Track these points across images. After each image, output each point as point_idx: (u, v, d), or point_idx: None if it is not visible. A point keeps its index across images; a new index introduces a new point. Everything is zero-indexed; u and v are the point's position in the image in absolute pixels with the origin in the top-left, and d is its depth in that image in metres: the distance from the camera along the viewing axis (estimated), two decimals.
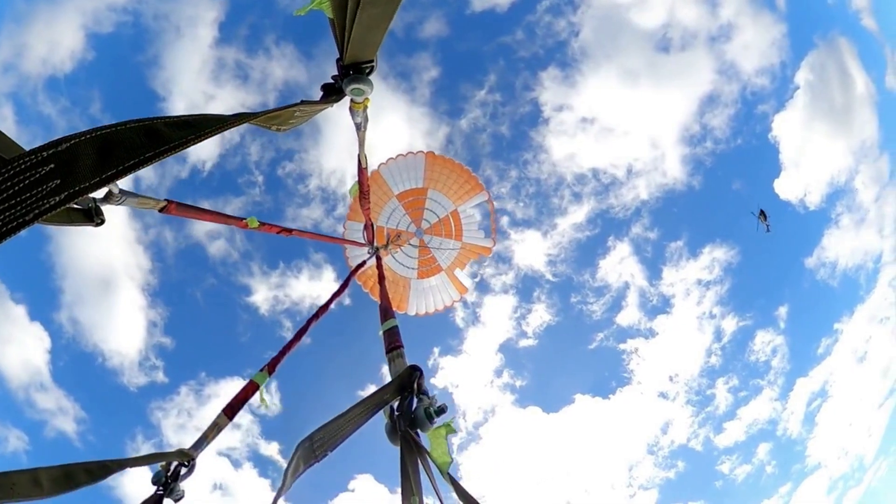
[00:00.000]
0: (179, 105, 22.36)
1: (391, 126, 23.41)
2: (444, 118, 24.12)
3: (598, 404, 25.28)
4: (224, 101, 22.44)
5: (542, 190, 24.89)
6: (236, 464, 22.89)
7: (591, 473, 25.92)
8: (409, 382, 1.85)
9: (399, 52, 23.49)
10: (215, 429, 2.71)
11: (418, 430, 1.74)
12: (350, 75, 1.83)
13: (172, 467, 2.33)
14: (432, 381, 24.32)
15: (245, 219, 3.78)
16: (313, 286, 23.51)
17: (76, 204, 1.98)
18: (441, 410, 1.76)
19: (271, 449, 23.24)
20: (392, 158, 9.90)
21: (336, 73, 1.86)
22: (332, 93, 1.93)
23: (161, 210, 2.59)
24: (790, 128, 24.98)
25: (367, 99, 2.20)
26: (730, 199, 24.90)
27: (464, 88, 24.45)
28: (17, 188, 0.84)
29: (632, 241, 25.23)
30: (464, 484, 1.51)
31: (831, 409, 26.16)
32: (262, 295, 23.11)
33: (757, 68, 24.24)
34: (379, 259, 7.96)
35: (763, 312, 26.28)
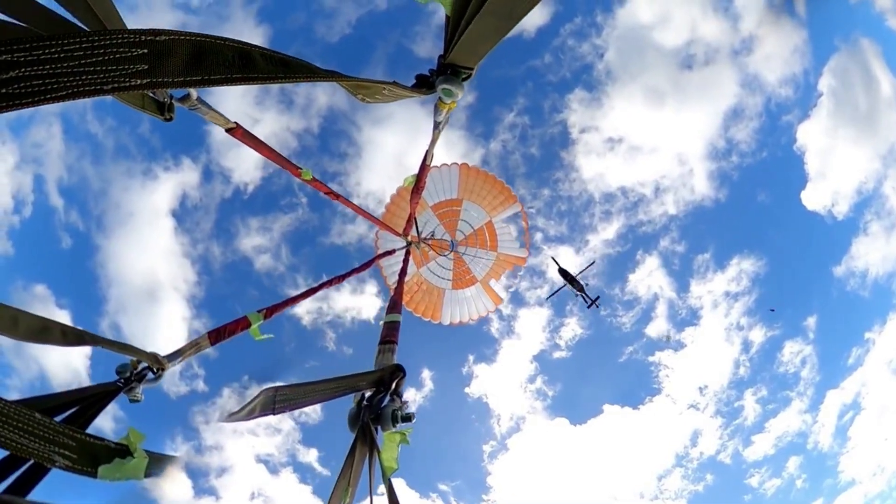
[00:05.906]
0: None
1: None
2: (479, 140, 24.78)
3: (629, 414, 25.05)
4: (268, 126, 23.10)
5: (573, 208, 25.58)
6: (273, 470, 23.12)
7: (620, 481, 25.62)
8: (389, 379, 1.84)
9: None
10: (194, 347, 2.74)
11: (378, 427, 1.72)
12: (446, 74, 1.85)
13: (140, 367, 2.28)
14: (467, 389, 24.48)
15: (301, 168, 3.86)
16: (356, 299, 24.06)
17: (154, 94, 2.06)
18: (407, 418, 1.74)
19: (310, 455, 23.53)
20: None
21: (434, 67, 1.89)
22: (423, 84, 1.95)
23: (228, 130, 2.67)
24: (815, 136, 24.10)
25: (454, 102, 2.22)
26: (756, 212, 24.23)
27: (497, 111, 25.12)
28: (106, 57, 0.87)
29: (660, 254, 25.29)
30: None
31: (865, 422, 24.40)
32: (305, 307, 23.67)
33: (780, 78, 23.61)
34: (408, 253, 8.00)
35: (791, 323, 25.36)
